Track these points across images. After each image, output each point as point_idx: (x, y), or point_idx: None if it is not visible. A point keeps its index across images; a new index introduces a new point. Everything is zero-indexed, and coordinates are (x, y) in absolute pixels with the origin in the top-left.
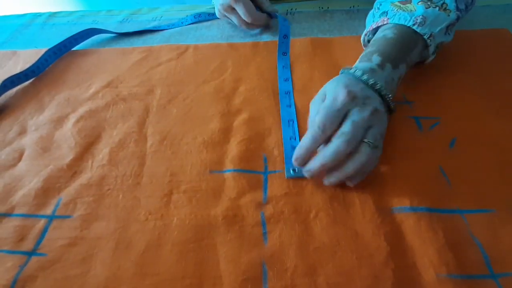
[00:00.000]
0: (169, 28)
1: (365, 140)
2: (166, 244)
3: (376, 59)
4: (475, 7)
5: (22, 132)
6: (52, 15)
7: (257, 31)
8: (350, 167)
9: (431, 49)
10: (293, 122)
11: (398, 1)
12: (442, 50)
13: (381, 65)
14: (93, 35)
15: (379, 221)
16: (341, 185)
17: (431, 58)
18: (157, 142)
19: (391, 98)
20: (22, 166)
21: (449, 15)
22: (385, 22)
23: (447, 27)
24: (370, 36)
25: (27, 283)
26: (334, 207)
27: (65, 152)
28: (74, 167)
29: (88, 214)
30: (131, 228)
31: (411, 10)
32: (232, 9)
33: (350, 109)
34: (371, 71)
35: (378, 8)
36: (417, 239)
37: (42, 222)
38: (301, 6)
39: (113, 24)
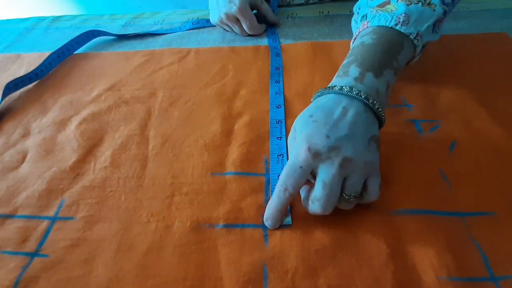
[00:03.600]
0: (168, 33)
1: (344, 194)
2: (168, 246)
3: (354, 71)
4: (474, 12)
5: (26, 134)
6: (56, 19)
7: (257, 35)
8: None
9: (418, 49)
10: (282, 157)
11: (376, 5)
12: (443, 54)
13: (360, 78)
14: (94, 38)
15: (379, 223)
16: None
17: (416, 59)
18: (159, 144)
19: (380, 109)
20: (25, 168)
21: (434, 10)
22: (365, 27)
23: (434, 24)
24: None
25: (29, 284)
26: (334, 210)
27: (68, 154)
28: (77, 169)
29: (91, 215)
30: (133, 230)
31: (391, 10)
32: (236, 20)
33: (316, 166)
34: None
35: (358, 12)
36: (417, 241)
37: (45, 224)
38: (302, 11)
39: (116, 28)
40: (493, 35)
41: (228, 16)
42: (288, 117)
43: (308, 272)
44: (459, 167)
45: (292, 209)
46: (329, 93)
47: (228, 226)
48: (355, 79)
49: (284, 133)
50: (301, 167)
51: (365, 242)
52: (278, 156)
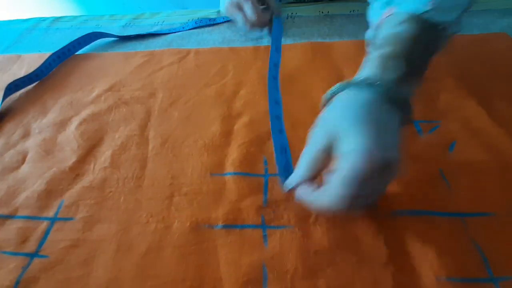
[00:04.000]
0: (171, 33)
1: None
2: (167, 247)
3: (397, 66)
4: (474, 12)
5: (26, 135)
6: (56, 19)
7: (258, 35)
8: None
9: (445, 43)
10: (285, 150)
11: None
12: (443, 54)
13: (401, 79)
14: (96, 39)
15: (379, 224)
16: None
17: (438, 54)
18: (158, 145)
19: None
20: (25, 168)
21: None
22: (392, 12)
23: (462, 13)
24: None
25: (29, 284)
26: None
27: (68, 155)
28: (77, 170)
29: (90, 216)
30: (132, 231)
31: None
32: (239, 8)
33: (376, 176)
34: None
35: None
36: (416, 242)
37: (44, 224)
38: (301, 11)
39: (116, 29)
40: (493, 35)
41: (232, 3)
42: (285, 118)
43: (308, 273)
44: (459, 168)
45: (292, 211)
46: (370, 87)
47: (227, 226)
48: (399, 79)
49: (283, 127)
50: (364, 180)
51: (365, 243)
52: (282, 149)
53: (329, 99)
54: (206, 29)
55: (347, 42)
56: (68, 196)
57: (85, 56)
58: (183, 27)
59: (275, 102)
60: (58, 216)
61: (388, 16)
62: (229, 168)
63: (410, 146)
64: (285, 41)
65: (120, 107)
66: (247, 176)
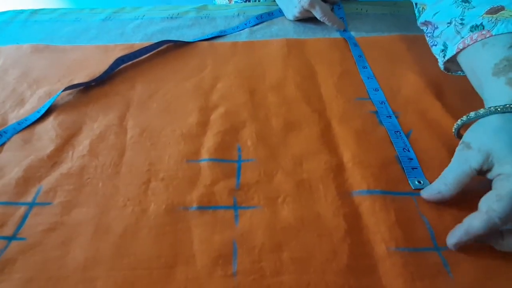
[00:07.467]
0: (234, 32)
1: None
2: (143, 228)
3: None
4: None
5: (3, 124)
6: (34, 12)
7: (236, 31)
8: None
9: None
10: (399, 132)
11: (484, 13)
12: (407, 51)
13: None
14: (164, 45)
15: (339, 203)
16: (308, 172)
17: None
18: (137, 134)
19: None
20: (3, 157)
21: None
22: (487, 35)
23: None
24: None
25: (7, 265)
26: (300, 192)
27: (46, 144)
28: (55, 158)
29: (68, 201)
30: (110, 214)
31: (510, 16)
32: (308, 12)
33: None
34: None
35: (451, 23)
36: (371, 218)
37: (22, 209)
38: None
39: (96, 22)
40: None
41: (302, 13)
42: (259, 109)
43: (274, 247)
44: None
45: (262, 193)
46: None
47: (201, 208)
48: None
49: (391, 111)
50: None
51: (326, 220)
52: (396, 132)
53: (463, 123)
54: (186, 24)
55: (320, 39)
56: (46, 183)
57: (64, 48)
58: (245, 24)
59: (373, 90)
60: (36, 201)
61: (485, 38)
62: (205, 155)
63: (371, 134)
64: (263, 37)
65: (100, 99)
66: (222, 162)
